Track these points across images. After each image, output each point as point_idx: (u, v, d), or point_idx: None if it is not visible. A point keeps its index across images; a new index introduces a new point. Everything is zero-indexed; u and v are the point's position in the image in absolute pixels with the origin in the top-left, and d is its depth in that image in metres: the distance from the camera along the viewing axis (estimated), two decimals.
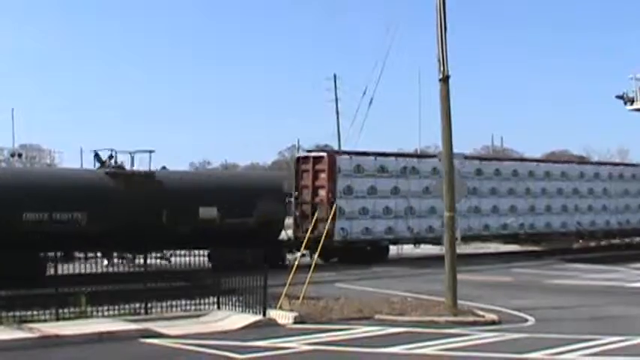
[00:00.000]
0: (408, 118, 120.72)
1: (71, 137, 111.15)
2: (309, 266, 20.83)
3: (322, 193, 32.46)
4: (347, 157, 33.35)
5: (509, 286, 26.20)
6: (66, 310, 17.67)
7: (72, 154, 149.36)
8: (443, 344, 15.37)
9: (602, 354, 14.50)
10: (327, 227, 25.65)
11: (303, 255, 24.61)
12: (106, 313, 18.08)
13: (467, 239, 34.24)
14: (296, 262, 20.82)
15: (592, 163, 47.07)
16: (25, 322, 16.73)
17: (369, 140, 64.43)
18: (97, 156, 28.66)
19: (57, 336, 15.55)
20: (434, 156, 32.37)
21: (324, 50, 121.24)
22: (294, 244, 30.54)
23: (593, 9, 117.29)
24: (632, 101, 38.57)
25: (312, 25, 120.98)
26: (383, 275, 28.39)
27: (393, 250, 35.40)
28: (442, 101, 19.87)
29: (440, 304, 19.80)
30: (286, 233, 32.36)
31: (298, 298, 19.58)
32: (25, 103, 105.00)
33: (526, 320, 18.59)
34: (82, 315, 17.81)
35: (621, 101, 39.20)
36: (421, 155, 38.70)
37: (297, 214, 32.48)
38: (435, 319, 18.36)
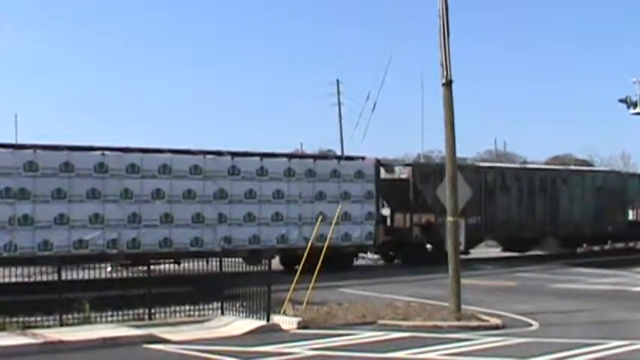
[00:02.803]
0: (412, 122, 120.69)
1: (71, 138, 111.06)
2: (313, 272, 20.80)
3: None
4: None
5: (512, 290, 26.18)
6: (70, 316, 17.69)
7: None
8: (447, 349, 15.36)
9: (606, 359, 14.49)
10: None
11: None
12: (109, 319, 18.11)
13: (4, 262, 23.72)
14: (299, 268, 20.81)
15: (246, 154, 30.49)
16: (29, 327, 16.76)
17: (372, 145, 64.78)
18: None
19: (61, 342, 15.58)
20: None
21: (327, 54, 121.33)
22: None
23: (597, 13, 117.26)
24: (635, 105, 38.57)
25: (316, 28, 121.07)
26: (386, 280, 28.38)
27: None
28: (445, 106, 19.90)
29: (443, 309, 19.79)
30: None
31: (302, 303, 19.58)
32: (26, 107, 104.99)
33: (530, 325, 18.58)
34: (86, 321, 17.83)
35: (624, 105, 39.21)
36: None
37: None
38: (439, 323, 18.35)
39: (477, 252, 39.08)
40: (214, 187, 28.41)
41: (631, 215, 45.99)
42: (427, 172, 35.11)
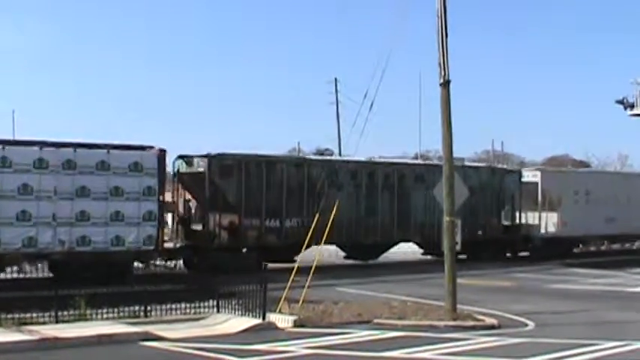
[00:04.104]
0: (410, 121, 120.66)
1: (70, 138, 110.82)
2: (309, 270, 20.80)
3: None
4: None
5: (508, 290, 26.20)
6: (65, 313, 17.64)
7: None
8: (442, 348, 15.37)
9: (602, 359, 14.51)
10: None
11: None
12: (105, 316, 18.06)
13: None
14: (295, 266, 20.81)
15: None
16: (25, 324, 16.71)
17: (370, 144, 64.58)
18: None
19: (56, 338, 15.54)
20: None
21: (325, 53, 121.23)
22: None
23: (593, 13, 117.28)
24: (632, 106, 38.66)
25: (314, 26, 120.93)
26: (383, 279, 28.38)
27: None
28: (443, 106, 19.90)
29: (439, 309, 19.80)
30: None
31: (298, 301, 19.57)
32: (24, 103, 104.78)
33: (526, 325, 18.59)
34: (82, 317, 17.79)
35: (621, 106, 39.28)
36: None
37: None
38: (435, 323, 18.36)
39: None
40: None
41: (512, 218, 39.01)
42: (229, 165, 29.87)
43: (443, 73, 19.67)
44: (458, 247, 20.37)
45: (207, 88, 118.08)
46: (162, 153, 26.69)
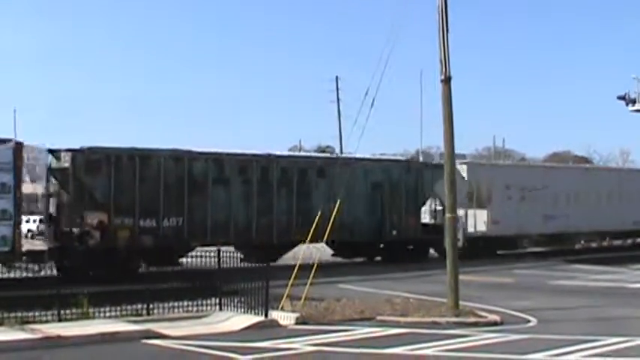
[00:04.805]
0: (411, 118, 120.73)
1: (71, 137, 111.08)
2: (311, 267, 20.81)
3: None
4: None
5: (511, 287, 26.21)
6: (68, 311, 17.69)
7: None
8: (444, 345, 15.37)
9: (604, 355, 14.50)
10: None
11: None
12: (108, 314, 18.09)
13: None
14: (298, 263, 20.81)
15: None
16: (28, 322, 16.74)
17: (371, 141, 64.65)
18: None
19: (59, 337, 15.56)
20: None
21: (327, 50, 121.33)
22: None
23: (595, 10, 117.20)
24: (634, 102, 38.58)
25: (316, 25, 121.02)
26: (384, 276, 28.39)
27: None
28: (444, 102, 19.89)
29: (442, 305, 19.81)
30: None
31: (300, 299, 19.60)
32: (25, 102, 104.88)
33: (528, 321, 18.60)
34: (84, 316, 17.83)
35: (623, 102, 39.22)
36: None
37: None
38: (437, 320, 18.37)
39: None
40: None
41: (436, 216, 35.88)
42: (96, 159, 27.01)
43: (444, 69, 19.66)
44: (459, 244, 20.37)
45: (205, 87, 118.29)
46: (18, 146, 24.22)
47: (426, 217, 36.13)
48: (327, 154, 34.80)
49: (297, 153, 36.81)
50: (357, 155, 31.20)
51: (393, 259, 32.88)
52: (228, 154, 30.53)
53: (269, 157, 31.14)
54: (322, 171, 31.74)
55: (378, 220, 33.09)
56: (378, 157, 35.32)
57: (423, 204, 35.40)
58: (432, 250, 35.63)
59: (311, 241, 25.12)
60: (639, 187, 44.46)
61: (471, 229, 35.81)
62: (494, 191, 37.14)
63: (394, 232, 33.49)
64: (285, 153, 33.81)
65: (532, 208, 38.01)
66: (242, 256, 26.73)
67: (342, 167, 31.57)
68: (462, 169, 34.12)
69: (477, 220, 35.98)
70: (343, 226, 29.85)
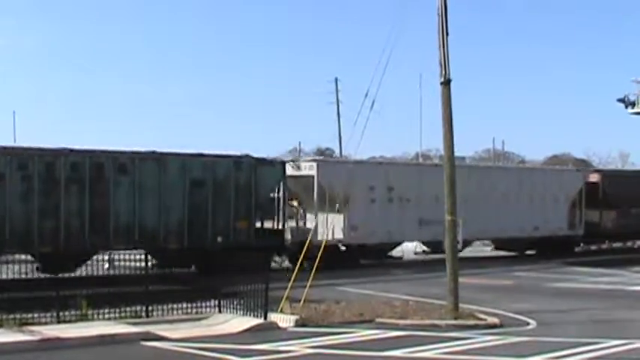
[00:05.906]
0: (411, 120, 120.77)
1: (70, 137, 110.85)
2: (312, 270, 20.79)
3: None
4: None
5: (510, 289, 26.19)
6: (67, 313, 17.67)
7: None
8: (444, 348, 15.36)
9: (603, 358, 14.51)
10: None
11: None
12: (107, 316, 18.08)
13: None
14: (297, 266, 20.79)
15: None
16: (26, 324, 16.73)
17: (371, 144, 64.57)
18: None
19: (58, 339, 15.55)
20: None
21: (326, 52, 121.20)
22: None
23: (595, 12, 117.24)
24: (633, 104, 38.67)
25: (315, 26, 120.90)
26: (384, 279, 28.37)
27: None
28: (443, 105, 19.89)
29: (441, 308, 19.79)
30: None
31: (299, 301, 19.57)
32: (25, 104, 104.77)
33: (527, 324, 18.59)
34: (83, 318, 17.81)
35: (622, 105, 39.30)
36: None
37: None
38: (437, 322, 18.35)
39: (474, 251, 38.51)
40: None
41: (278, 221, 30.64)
42: None
43: (444, 72, 19.66)
44: (459, 246, 20.36)
45: (204, 88, 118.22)
46: None
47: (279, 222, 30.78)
48: (133, 149, 27.08)
49: (95, 147, 27.57)
50: (173, 150, 27.89)
51: (210, 270, 25.67)
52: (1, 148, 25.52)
53: (55, 152, 25.91)
54: (125, 168, 26.91)
55: (196, 225, 27.86)
56: (199, 152, 29.06)
57: (260, 207, 29.83)
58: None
59: (110, 249, 24.03)
60: (543, 189, 38.85)
61: (322, 237, 27.28)
62: (354, 193, 32.06)
63: (219, 239, 28.27)
64: (78, 148, 26.84)
65: (404, 212, 33.15)
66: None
67: (145, 164, 27.20)
68: (312, 168, 31.56)
69: (335, 227, 30.63)
70: (136, 232, 26.40)
